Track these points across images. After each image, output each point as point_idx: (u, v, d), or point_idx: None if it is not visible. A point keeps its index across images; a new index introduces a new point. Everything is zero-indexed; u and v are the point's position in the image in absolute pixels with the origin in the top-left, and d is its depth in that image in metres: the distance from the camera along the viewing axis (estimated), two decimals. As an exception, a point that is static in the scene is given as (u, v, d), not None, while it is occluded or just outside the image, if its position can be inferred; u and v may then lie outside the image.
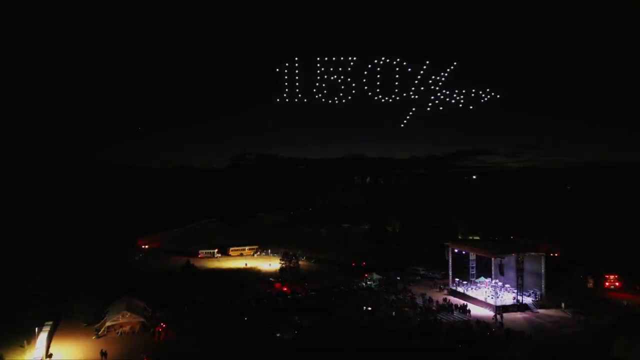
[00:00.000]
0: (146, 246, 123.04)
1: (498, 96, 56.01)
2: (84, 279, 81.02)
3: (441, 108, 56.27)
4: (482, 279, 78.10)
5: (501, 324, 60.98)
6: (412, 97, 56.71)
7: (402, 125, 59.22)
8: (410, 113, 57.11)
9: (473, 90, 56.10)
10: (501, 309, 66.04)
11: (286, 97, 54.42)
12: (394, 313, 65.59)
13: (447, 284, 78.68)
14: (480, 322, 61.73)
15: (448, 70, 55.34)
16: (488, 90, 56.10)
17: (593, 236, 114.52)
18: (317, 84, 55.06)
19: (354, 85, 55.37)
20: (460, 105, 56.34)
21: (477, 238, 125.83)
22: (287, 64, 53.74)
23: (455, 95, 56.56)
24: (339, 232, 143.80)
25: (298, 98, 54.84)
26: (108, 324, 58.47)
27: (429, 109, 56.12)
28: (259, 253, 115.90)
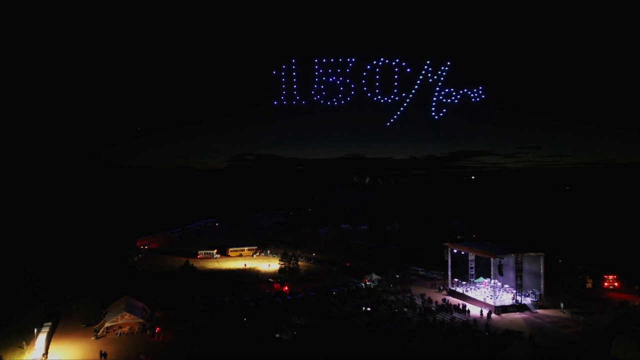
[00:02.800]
0: (145, 247, 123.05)
1: (485, 97, 55.87)
2: (84, 280, 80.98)
3: (435, 119, 56.23)
4: (481, 279, 78.17)
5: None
6: (411, 97, 56.74)
7: (387, 124, 59.06)
8: (398, 113, 57.07)
9: (467, 90, 56.03)
10: (500, 310, 66.25)
11: (284, 100, 54.38)
12: (395, 312, 65.70)
13: (446, 285, 78.75)
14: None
15: (445, 69, 55.28)
16: (482, 89, 55.97)
17: (592, 236, 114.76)
18: (316, 85, 55.08)
19: (353, 86, 55.39)
20: (456, 103, 56.22)
21: (476, 238, 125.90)
22: (284, 66, 53.75)
23: (452, 96, 56.52)
24: (338, 232, 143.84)
25: (296, 100, 54.84)
26: (107, 324, 58.51)
27: (434, 113, 56.09)
28: (258, 254, 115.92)
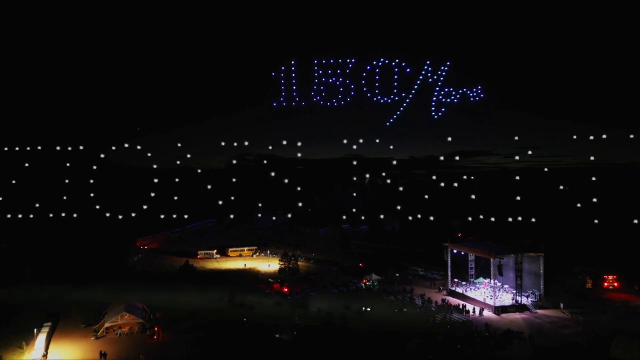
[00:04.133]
0: (145, 247, 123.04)
1: (485, 96, 55.67)
2: (84, 280, 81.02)
3: (436, 116, 56.13)
4: (481, 279, 78.16)
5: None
6: (411, 97, 56.71)
7: (387, 124, 59.02)
8: (398, 112, 57.09)
9: (467, 90, 55.94)
10: (500, 310, 66.29)
11: (284, 101, 54.36)
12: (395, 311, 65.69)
13: (446, 285, 78.74)
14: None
15: (445, 69, 55.24)
16: (482, 89, 55.84)
17: (592, 237, 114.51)
18: (316, 86, 55.07)
19: (353, 86, 55.32)
20: (455, 102, 56.14)
21: (476, 238, 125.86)
22: (283, 67, 53.68)
23: (452, 95, 56.47)
24: (338, 232, 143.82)
25: (296, 101, 54.79)
26: (107, 325, 58.47)
27: (433, 113, 56.07)
28: (258, 254, 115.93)
